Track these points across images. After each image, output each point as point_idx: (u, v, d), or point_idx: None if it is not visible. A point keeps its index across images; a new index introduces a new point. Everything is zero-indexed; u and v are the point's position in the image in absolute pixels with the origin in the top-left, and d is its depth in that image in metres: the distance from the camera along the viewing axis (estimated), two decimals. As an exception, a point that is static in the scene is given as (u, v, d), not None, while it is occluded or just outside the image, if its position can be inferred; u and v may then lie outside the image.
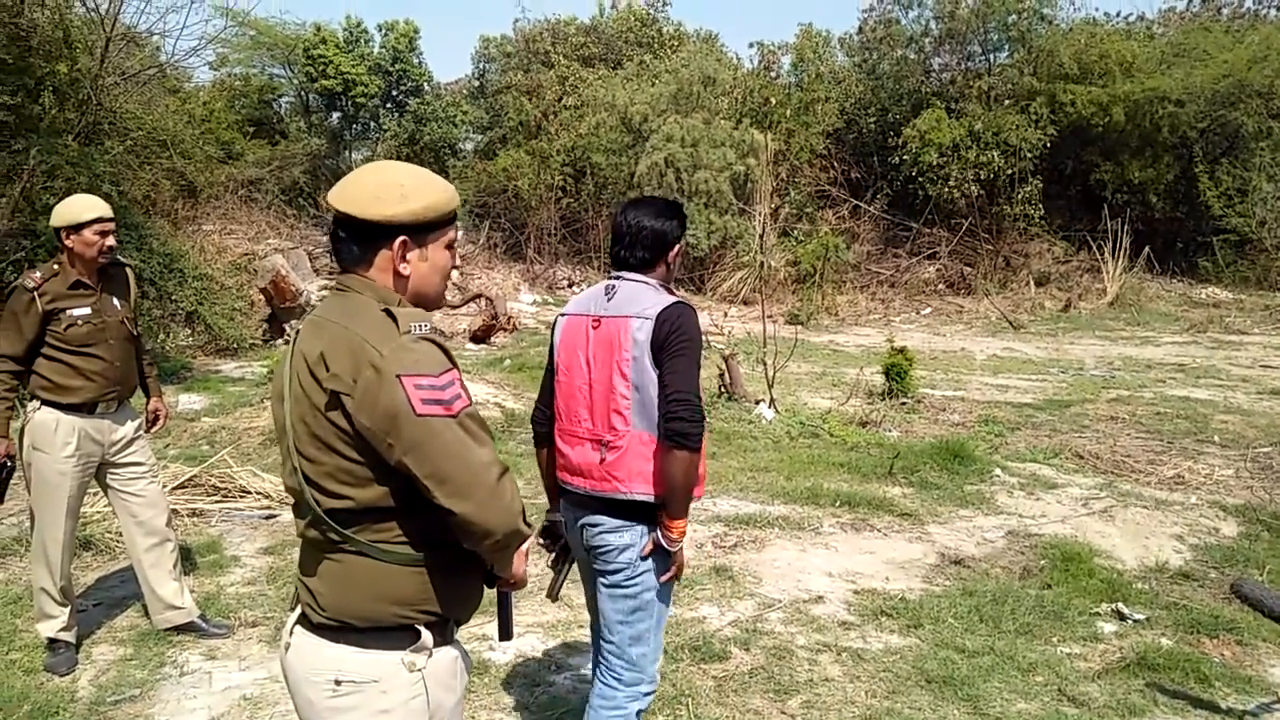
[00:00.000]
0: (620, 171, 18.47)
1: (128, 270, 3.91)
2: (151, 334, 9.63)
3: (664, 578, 2.54)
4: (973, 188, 17.20)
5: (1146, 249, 17.36)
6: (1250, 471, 6.41)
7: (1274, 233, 16.86)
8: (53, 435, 3.58)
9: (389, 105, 22.33)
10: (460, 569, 1.71)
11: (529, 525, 1.67)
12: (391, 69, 21.74)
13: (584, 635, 3.95)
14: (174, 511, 4.37)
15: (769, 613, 4.19)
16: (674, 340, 2.40)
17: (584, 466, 2.51)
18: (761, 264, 14.85)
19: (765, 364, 8.21)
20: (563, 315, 2.63)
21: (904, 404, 8.36)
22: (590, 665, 3.68)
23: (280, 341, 11.47)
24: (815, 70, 20.18)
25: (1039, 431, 7.65)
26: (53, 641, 3.70)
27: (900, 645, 3.87)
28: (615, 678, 2.58)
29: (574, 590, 4.33)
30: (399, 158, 22.46)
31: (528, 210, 19.42)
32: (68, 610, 3.72)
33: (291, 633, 1.73)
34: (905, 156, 17.70)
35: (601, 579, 2.58)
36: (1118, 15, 20.56)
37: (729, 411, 7.94)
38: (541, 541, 2.75)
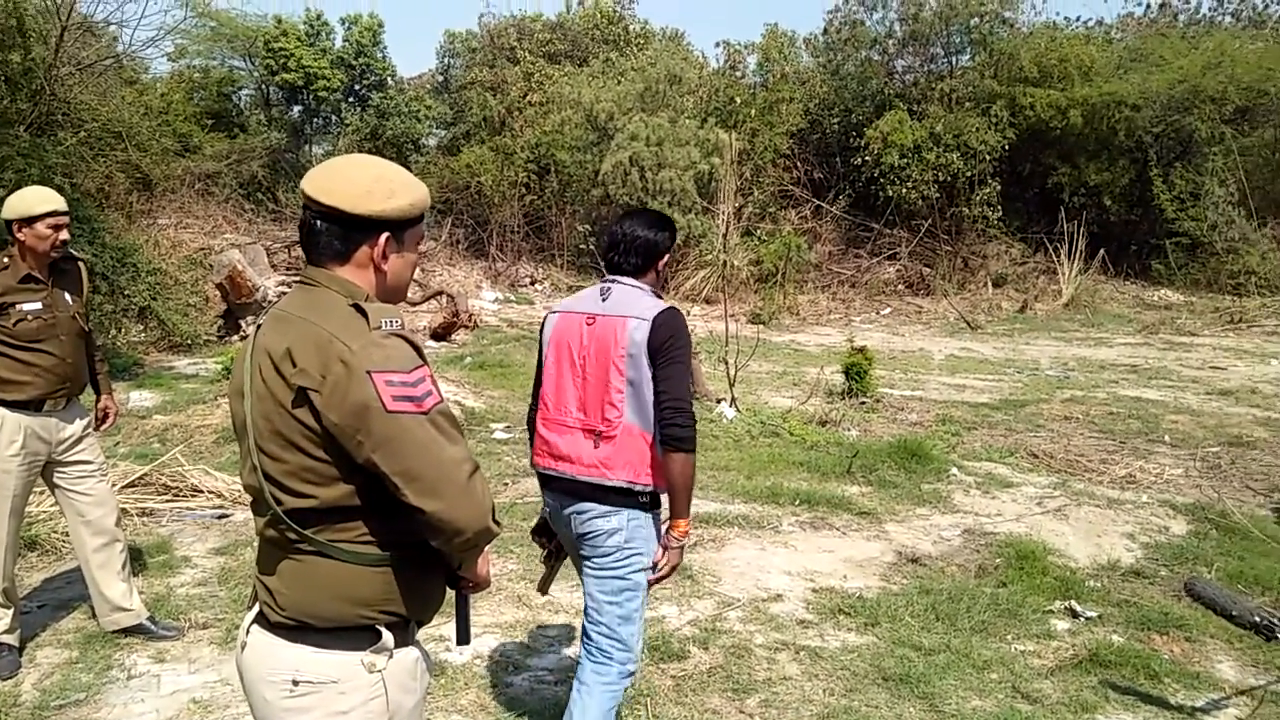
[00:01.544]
0: (585, 169, 18.41)
1: (80, 264, 3.82)
2: (103, 329, 9.43)
3: (654, 578, 2.69)
4: (932, 189, 17.38)
5: (1101, 251, 17.64)
6: (1199, 471, 6.53)
7: (1224, 236, 17.21)
8: None
9: (351, 100, 22.08)
10: (424, 569, 1.69)
11: (498, 524, 1.66)
12: (355, 63, 21.48)
13: (543, 635, 3.93)
14: (123, 511, 4.28)
15: (728, 611, 4.19)
16: (669, 346, 2.57)
17: (573, 454, 2.63)
18: (724, 263, 14.88)
19: (727, 363, 8.23)
20: (554, 313, 2.78)
21: (863, 403, 8.43)
22: (547, 663, 3.67)
23: (237, 338, 11.29)
24: (780, 70, 20.27)
25: (995, 431, 7.74)
26: None
27: (858, 643, 3.89)
28: (606, 656, 2.69)
29: (532, 590, 4.31)
30: (361, 152, 22.14)
31: (491, 207, 19.30)
32: (11, 612, 3.62)
33: (248, 632, 1.69)
34: (867, 157, 17.83)
35: (588, 563, 2.69)
36: (1077, 20, 20.88)
37: (691, 410, 7.93)
38: (536, 538, 2.90)
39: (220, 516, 5.30)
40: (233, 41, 20.36)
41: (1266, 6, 21.26)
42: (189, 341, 10.68)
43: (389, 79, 22.29)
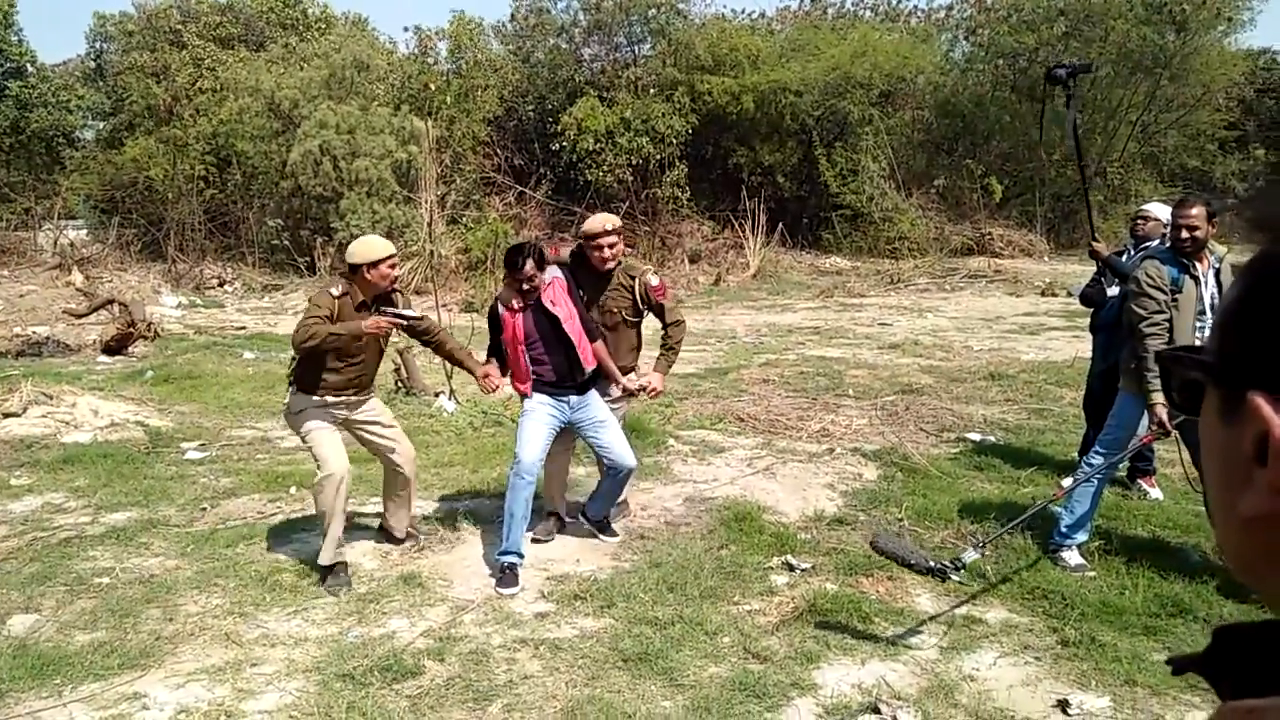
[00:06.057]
0: (271, 160, 17.20)
1: None
2: None
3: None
4: (627, 173, 18.00)
5: (780, 225, 19.17)
6: (880, 419, 7.23)
7: (880, 207, 19.32)
8: None
9: (-19, 89, 19.16)
10: None
11: None
12: (-18, 48, 18.64)
13: (258, 674, 3.57)
14: None
15: (463, 616, 4.04)
16: None
17: None
18: (431, 253, 14.51)
19: (441, 356, 7.98)
20: None
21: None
22: (265, 705, 3.34)
23: None
24: (473, 57, 20.03)
25: (704, 399, 8.11)
26: None
27: (595, 628, 3.89)
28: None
29: (242, 627, 3.92)
30: (0, 148, 19.32)
31: (165, 204, 17.52)
32: None
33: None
34: (565, 143, 18.11)
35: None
36: (743, 12, 22.41)
37: (408, 407, 7.65)
38: None
39: None
40: None
41: (900, 2, 24.03)
42: None
43: (28, 65, 19.57)
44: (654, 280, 4.91)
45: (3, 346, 10.40)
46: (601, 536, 4.92)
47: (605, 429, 4.66)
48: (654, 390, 4.91)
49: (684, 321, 5.11)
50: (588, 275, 4.82)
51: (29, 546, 4.83)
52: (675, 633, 3.76)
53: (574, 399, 4.58)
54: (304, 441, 4.52)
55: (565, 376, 4.53)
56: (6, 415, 6.98)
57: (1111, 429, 4.41)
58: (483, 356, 4.80)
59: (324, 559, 4.37)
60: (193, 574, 4.47)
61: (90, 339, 11.05)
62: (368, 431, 4.64)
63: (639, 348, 5.18)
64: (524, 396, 4.55)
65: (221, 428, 7.33)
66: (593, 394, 4.66)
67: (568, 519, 5.06)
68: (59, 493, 5.73)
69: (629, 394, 4.91)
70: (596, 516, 4.92)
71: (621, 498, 5.03)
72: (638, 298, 4.87)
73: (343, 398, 4.45)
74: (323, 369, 4.35)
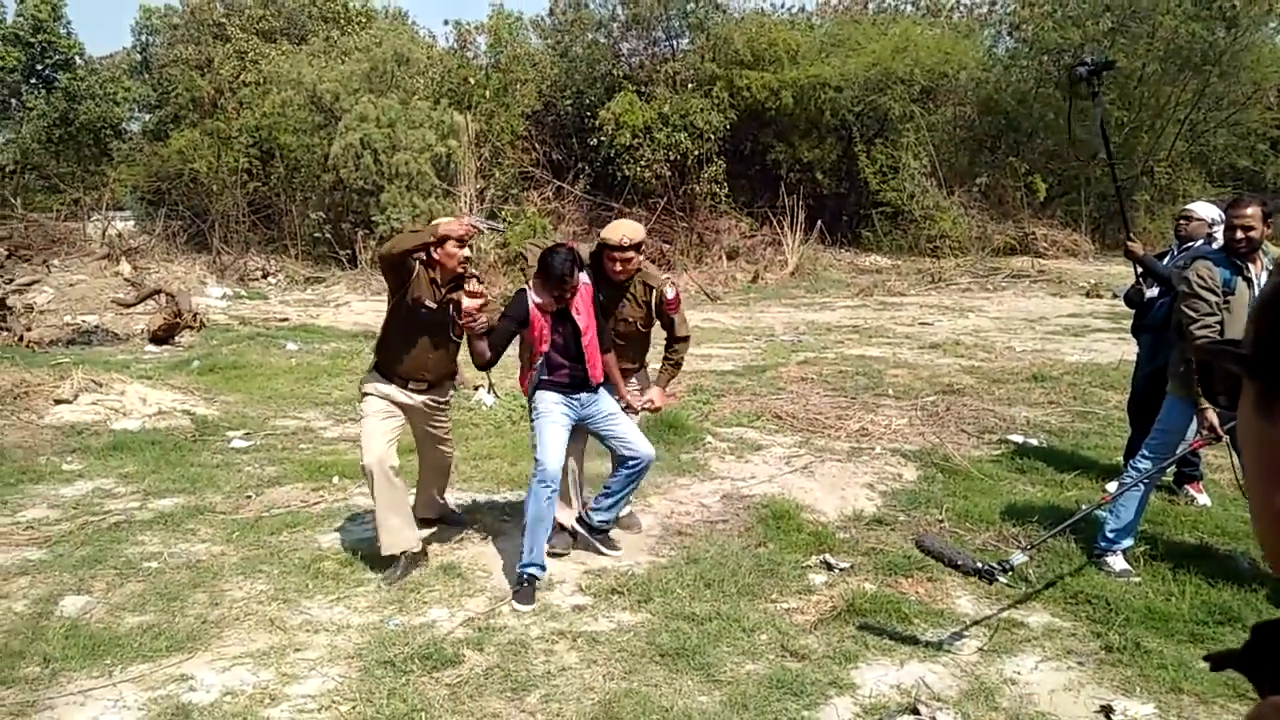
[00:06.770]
0: (313, 153, 17.41)
1: None
2: None
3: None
4: (665, 168, 17.97)
5: (819, 222, 19.04)
6: (921, 419, 7.17)
7: (920, 204, 19.12)
8: None
9: (33, 81, 19.61)
10: None
11: None
12: (33, 40, 19.05)
13: (302, 659, 3.63)
14: None
15: (501, 606, 4.08)
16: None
17: None
18: (470, 246, 14.62)
19: (480, 350, 8.02)
20: None
21: (618, 380, 8.53)
22: (309, 690, 3.39)
23: None
24: (512, 52, 20.12)
25: (741, 396, 8.09)
26: None
27: (633, 622, 3.91)
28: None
29: (285, 613, 3.98)
30: (50, 139, 19.83)
31: (210, 196, 17.81)
32: None
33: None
34: (602, 138, 18.13)
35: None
36: (782, 6, 22.27)
37: (446, 401, 7.71)
38: None
39: None
40: None
41: (941, -3, 23.76)
42: None
43: (77, 58, 20.00)
44: (670, 293, 4.78)
45: (54, 335, 10.64)
46: (602, 549, 4.65)
47: (617, 421, 4.53)
48: (654, 407, 4.85)
49: (690, 336, 5.00)
50: (603, 280, 4.66)
51: (80, 530, 4.95)
52: (712, 629, 3.77)
53: (584, 396, 4.50)
54: (360, 424, 4.57)
55: (578, 384, 4.46)
56: (58, 402, 7.14)
57: (1159, 433, 4.34)
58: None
59: (384, 549, 4.34)
60: (238, 560, 4.55)
61: (138, 328, 11.27)
62: (426, 435, 4.72)
63: (648, 347, 5.11)
64: (530, 396, 4.56)
65: (266, 417, 7.45)
66: (601, 390, 4.56)
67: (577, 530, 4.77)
68: (109, 478, 5.86)
69: (631, 410, 4.76)
70: (603, 524, 4.65)
71: (627, 510, 4.88)
72: (652, 309, 4.78)
73: (411, 393, 4.48)
74: (397, 351, 4.45)
